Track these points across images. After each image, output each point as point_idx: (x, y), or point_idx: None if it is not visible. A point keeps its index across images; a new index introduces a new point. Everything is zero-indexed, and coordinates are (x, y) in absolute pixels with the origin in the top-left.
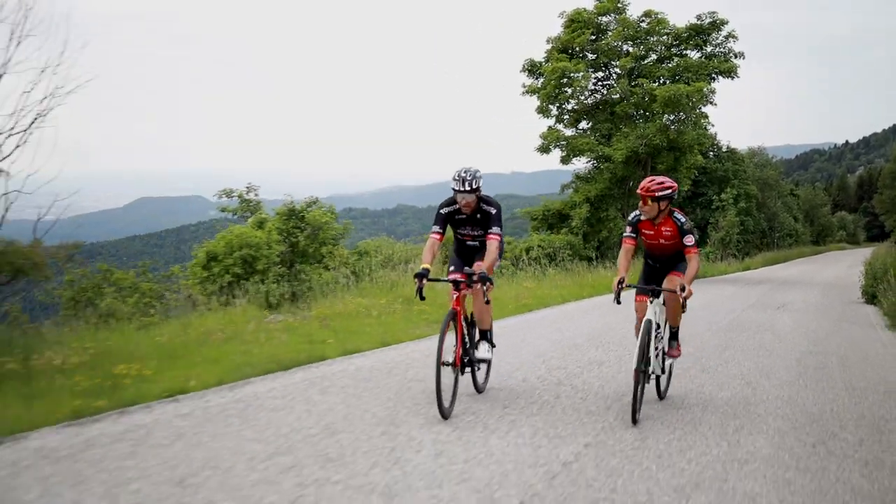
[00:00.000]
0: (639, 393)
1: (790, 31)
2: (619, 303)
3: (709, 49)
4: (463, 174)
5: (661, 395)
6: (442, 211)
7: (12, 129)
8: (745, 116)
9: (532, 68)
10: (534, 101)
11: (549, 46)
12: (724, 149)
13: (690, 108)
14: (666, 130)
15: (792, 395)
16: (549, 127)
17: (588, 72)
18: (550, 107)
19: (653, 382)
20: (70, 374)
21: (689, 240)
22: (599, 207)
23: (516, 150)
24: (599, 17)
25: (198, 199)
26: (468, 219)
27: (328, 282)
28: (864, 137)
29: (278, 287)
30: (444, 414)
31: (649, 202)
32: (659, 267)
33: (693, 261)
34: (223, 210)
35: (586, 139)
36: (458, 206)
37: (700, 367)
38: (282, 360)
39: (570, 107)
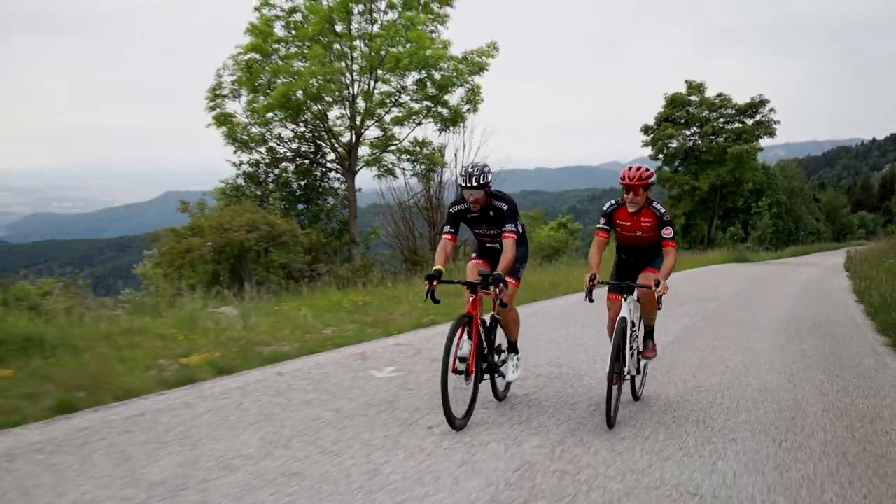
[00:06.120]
0: (612, 396)
1: (820, 21)
2: (591, 301)
3: (758, 117)
4: (470, 169)
5: (636, 396)
6: (452, 210)
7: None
8: (771, 102)
9: (647, 130)
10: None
11: (656, 115)
12: (759, 167)
13: (749, 158)
14: (734, 171)
15: (801, 287)
16: (658, 167)
17: (683, 133)
18: (660, 155)
19: (627, 383)
20: None
21: (668, 232)
22: (691, 217)
23: (540, 145)
24: (688, 97)
25: None
26: (480, 217)
27: None
28: (893, 134)
29: None
30: (456, 425)
31: (641, 192)
32: (633, 261)
33: (670, 255)
34: None
35: (683, 177)
36: (467, 205)
37: (775, 281)
38: None
39: (670, 152)
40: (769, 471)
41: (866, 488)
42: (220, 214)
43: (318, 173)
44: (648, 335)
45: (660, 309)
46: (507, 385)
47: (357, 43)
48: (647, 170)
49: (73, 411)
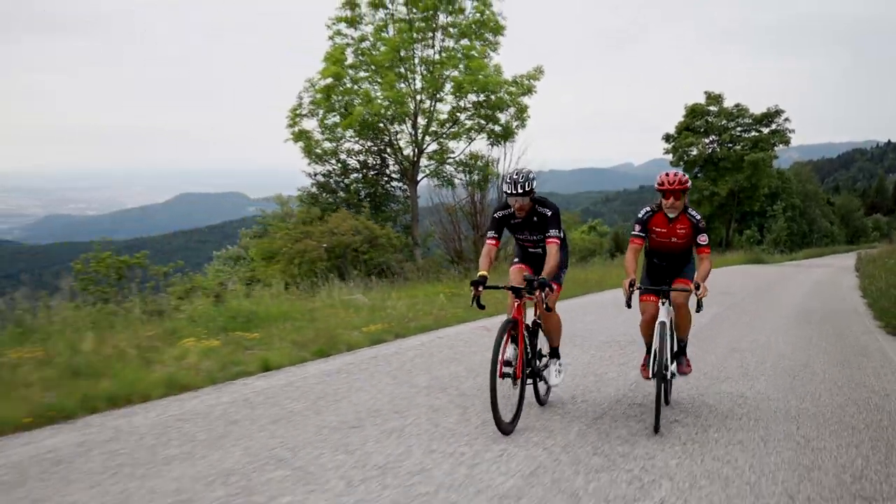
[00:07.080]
0: (661, 398)
1: (834, 22)
2: (630, 306)
3: (773, 126)
4: (514, 176)
5: (667, 400)
6: (496, 215)
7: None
8: (786, 112)
9: (668, 138)
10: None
11: (676, 124)
12: (774, 174)
13: (765, 166)
14: (750, 178)
15: (813, 285)
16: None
17: (702, 141)
18: (681, 162)
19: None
20: None
21: (704, 238)
22: (709, 221)
23: (554, 147)
24: (707, 107)
25: (236, 196)
26: (524, 223)
27: None
28: None
29: None
30: (504, 430)
31: (680, 196)
32: (665, 266)
33: (705, 261)
34: None
35: (702, 182)
36: (511, 210)
37: (790, 280)
38: None
39: (690, 159)
40: (786, 389)
41: (849, 396)
42: (331, 220)
43: (383, 182)
44: (682, 351)
45: (699, 311)
46: (548, 389)
47: (418, 67)
48: (685, 175)
49: (327, 356)
